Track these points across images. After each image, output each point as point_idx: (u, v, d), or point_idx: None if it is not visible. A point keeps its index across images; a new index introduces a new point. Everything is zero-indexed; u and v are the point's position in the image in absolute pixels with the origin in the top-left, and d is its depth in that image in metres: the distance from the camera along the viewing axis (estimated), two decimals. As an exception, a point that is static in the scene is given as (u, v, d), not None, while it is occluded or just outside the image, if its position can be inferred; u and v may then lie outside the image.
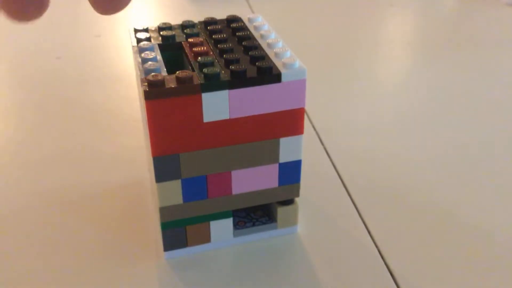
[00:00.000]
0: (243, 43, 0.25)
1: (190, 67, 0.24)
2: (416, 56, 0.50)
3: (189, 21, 0.28)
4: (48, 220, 0.29)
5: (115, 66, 0.47)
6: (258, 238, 0.28)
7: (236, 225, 0.27)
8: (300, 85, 0.24)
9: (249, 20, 0.28)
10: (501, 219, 0.30)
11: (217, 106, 0.23)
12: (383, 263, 0.27)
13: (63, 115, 0.40)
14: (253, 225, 0.28)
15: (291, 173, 0.26)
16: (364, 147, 0.36)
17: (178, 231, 0.26)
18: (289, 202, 0.27)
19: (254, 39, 0.26)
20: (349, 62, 0.48)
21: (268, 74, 0.23)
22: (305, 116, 0.39)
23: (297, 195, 0.27)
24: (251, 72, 0.23)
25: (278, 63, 0.24)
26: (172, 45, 0.26)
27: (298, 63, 0.23)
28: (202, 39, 0.26)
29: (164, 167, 0.24)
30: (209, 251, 0.27)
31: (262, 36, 0.26)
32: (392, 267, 0.26)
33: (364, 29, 0.56)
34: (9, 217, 0.30)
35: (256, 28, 0.27)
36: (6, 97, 0.43)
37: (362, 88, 0.44)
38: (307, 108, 0.40)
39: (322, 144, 0.36)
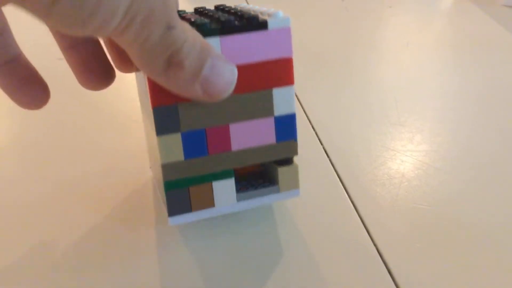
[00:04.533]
0: (231, 11, 0.27)
1: None
2: (414, 57, 0.51)
3: (181, 10, 0.29)
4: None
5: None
6: (262, 203, 0.28)
7: (238, 191, 0.28)
8: (285, 33, 0.25)
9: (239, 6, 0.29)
10: (504, 220, 0.30)
11: None
12: (382, 262, 0.27)
13: (64, 115, 0.40)
14: (255, 189, 0.28)
15: (287, 128, 0.27)
16: (363, 148, 0.36)
17: (181, 193, 0.26)
18: (288, 162, 0.28)
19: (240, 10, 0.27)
20: (347, 63, 0.49)
21: (255, 22, 0.24)
22: (304, 117, 0.40)
23: (296, 153, 0.28)
24: (240, 23, 0.24)
25: (263, 16, 0.25)
26: None
27: (281, 13, 0.25)
28: (190, 15, 0.27)
29: (164, 118, 0.24)
30: (213, 218, 0.27)
31: (248, 9, 0.28)
32: (390, 266, 0.27)
33: (363, 30, 0.56)
34: (12, 216, 0.30)
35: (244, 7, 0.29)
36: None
37: (361, 88, 0.44)
38: (306, 109, 0.41)
39: (321, 144, 0.36)
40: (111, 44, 0.27)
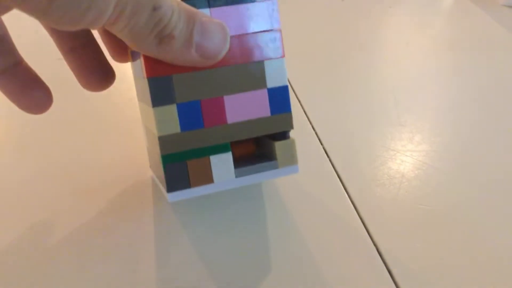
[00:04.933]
0: None
1: None
2: (414, 57, 0.51)
3: None
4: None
5: (116, 66, 0.47)
6: (261, 180, 0.28)
7: (237, 167, 0.28)
8: (272, 4, 0.26)
9: None
10: (504, 220, 0.30)
11: None
12: (382, 262, 0.27)
13: (64, 114, 0.40)
14: (254, 164, 0.28)
15: (280, 100, 0.27)
16: (363, 148, 0.36)
17: (179, 168, 0.26)
18: (285, 136, 0.28)
19: None
20: (348, 63, 0.49)
21: None
22: (304, 117, 0.40)
23: (291, 126, 0.28)
24: None
25: None
26: None
27: None
28: None
29: (159, 89, 0.25)
30: (213, 194, 0.28)
31: None
32: (391, 266, 0.27)
33: (363, 30, 0.56)
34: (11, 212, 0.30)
35: None
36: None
37: (361, 88, 0.44)
38: (306, 109, 0.41)
39: (321, 144, 0.36)
40: (105, 34, 0.28)
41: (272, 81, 0.27)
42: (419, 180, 0.33)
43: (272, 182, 0.32)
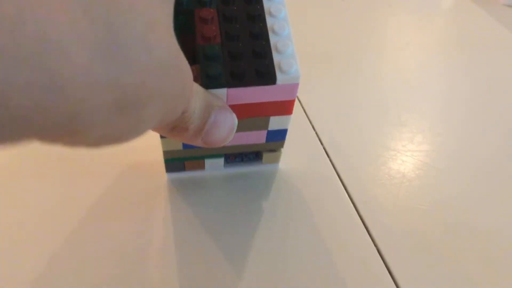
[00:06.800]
0: (251, 29, 0.26)
1: (195, 45, 0.25)
2: (414, 57, 0.51)
3: None
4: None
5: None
6: (246, 170, 0.32)
7: (227, 160, 0.32)
8: (293, 87, 0.25)
9: None
10: (505, 220, 0.30)
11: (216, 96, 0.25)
12: (382, 262, 0.27)
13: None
14: (242, 160, 0.33)
15: (278, 135, 0.29)
16: (364, 148, 0.36)
17: (178, 163, 0.31)
18: (274, 150, 0.31)
19: (264, 24, 0.26)
20: (347, 63, 0.49)
21: (265, 78, 0.24)
22: (305, 117, 0.39)
23: (282, 146, 0.31)
24: (250, 74, 0.24)
25: (276, 63, 0.25)
26: (184, 10, 0.26)
27: (294, 69, 0.25)
28: (212, 14, 0.26)
29: None
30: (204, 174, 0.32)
31: (271, 13, 0.26)
32: (390, 266, 0.27)
33: (363, 30, 0.56)
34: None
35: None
36: None
37: (361, 88, 0.44)
38: (306, 109, 0.41)
39: (322, 144, 0.36)
40: None
41: (274, 126, 0.28)
42: (419, 180, 0.33)
43: (272, 181, 0.32)
